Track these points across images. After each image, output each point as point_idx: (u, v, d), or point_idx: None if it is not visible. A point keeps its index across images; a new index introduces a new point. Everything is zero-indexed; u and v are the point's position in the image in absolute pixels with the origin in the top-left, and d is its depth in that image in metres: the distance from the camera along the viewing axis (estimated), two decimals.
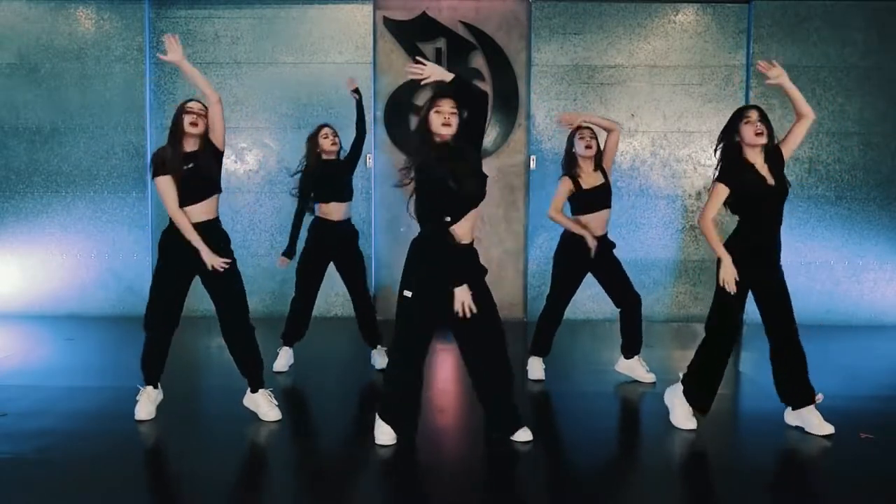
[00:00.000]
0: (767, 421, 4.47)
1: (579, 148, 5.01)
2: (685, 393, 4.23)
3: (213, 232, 4.30)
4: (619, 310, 5.28)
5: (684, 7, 7.49)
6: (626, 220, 7.53)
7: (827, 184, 7.47)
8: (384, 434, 3.97)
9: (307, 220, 5.46)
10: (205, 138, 4.24)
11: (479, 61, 7.64)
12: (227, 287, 4.35)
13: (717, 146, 4.22)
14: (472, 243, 3.92)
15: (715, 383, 4.19)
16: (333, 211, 5.36)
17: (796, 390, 4.20)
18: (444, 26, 7.59)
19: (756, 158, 4.10)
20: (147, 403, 4.37)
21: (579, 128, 5.04)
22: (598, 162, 5.10)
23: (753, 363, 6.11)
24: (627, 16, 7.48)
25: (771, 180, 4.08)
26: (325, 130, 5.38)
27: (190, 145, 4.22)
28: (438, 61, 7.59)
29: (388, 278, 7.64)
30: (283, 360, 5.47)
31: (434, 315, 3.87)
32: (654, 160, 7.53)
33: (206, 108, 4.24)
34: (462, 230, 3.81)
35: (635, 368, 5.32)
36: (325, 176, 5.32)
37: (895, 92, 7.41)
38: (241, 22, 7.52)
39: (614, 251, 5.21)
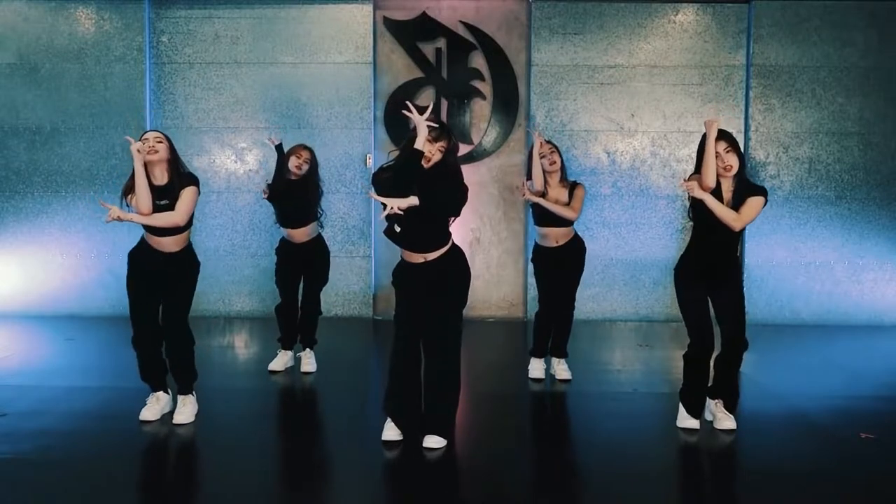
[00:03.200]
0: (767, 421, 4.47)
1: (544, 164, 5.14)
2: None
3: (183, 261, 4.32)
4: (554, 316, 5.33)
5: (684, 7, 7.49)
6: (626, 220, 7.54)
7: (827, 184, 7.47)
8: (390, 430, 4.01)
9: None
10: (173, 168, 4.21)
11: (479, 61, 7.64)
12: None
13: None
14: (424, 262, 3.97)
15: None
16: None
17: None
18: (444, 26, 7.59)
19: (724, 183, 4.14)
20: (154, 406, 4.39)
21: (541, 144, 5.15)
22: (564, 177, 5.19)
23: (753, 363, 6.10)
24: (627, 16, 7.48)
25: (729, 205, 4.11)
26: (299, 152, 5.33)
27: (157, 177, 4.19)
28: (438, 61, 7.60)
29: (387, 278, 7.64)
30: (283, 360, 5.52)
31: (408, 307, 3.98)
32: (654, 160, 7.53)
33: (164, 136, 4.22)
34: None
35: (557, 367, 5.37)
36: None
37: (895, 92, 7.41)
38: (241, 22, 7.52)
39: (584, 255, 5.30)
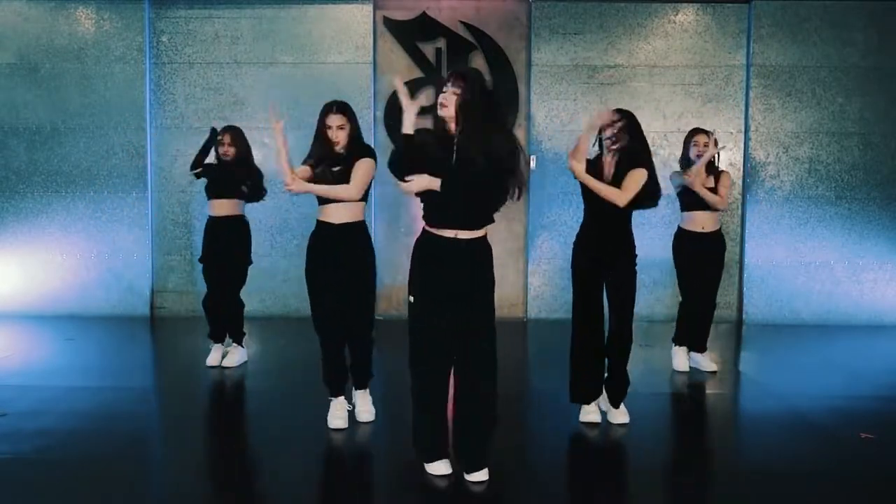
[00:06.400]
0: (767, 421, 4.47)
1: (691, 154, 5.33)
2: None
3: (355, 237, 4.31)
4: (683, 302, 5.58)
5: (684, 7, 7.49)
6: None
7: (827, 184, 7.47)
8: (439, 466, 3.60)
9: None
10: (353, 138, 4.27)
11: (479, 61, 7.63)
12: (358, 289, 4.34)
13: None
14: (455, 239, 3.46)
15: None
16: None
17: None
18: (444, 26, 7.59)
19: (607, 157, 4.26)
20: (342, 411, 4.28)
21: (695, 134, 5.33)
22: (710, 168, 5.38)
23: (753, 363, 6.11)
24: (627, 16, 7.48)
25: (608, 180, 4.19)
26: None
27: (338, 144, 4.25)
28: (438, 61, 7.60)
29: (387, 278, 7.65)
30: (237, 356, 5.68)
31: (439, 318, 3.46)
32: (655, 160, 7.48)
33: (347, 119, 4.24)
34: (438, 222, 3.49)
35: (701, 361, 5.57)
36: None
37: (895, 92, 7.41)
38: (241, 22, 7.52)
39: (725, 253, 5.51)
